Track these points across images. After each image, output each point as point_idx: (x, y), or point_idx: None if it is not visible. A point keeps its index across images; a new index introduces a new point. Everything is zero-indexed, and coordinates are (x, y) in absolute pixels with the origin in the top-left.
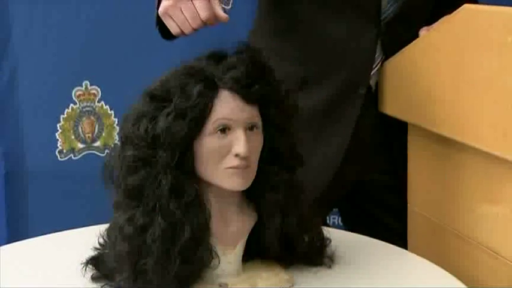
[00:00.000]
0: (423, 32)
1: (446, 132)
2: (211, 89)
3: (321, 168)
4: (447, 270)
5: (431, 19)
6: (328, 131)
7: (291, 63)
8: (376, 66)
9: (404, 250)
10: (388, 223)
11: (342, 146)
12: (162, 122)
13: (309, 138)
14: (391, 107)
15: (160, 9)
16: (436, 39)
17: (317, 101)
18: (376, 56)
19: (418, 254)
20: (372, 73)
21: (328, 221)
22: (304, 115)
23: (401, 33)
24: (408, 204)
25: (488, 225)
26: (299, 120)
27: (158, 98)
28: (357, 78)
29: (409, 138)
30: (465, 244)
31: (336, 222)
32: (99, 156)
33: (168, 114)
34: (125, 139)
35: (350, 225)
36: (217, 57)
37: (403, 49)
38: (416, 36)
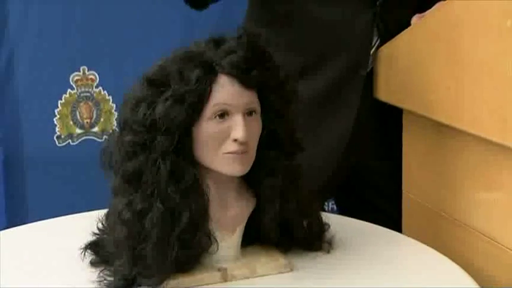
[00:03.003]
0: (415, 19)
1: (442, 119)
2: (209, 74)
3: (326, 154)
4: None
5: (424, 5)
6: (331, 116)
7: (288, 52)
8: (372, 49)
9: (402, 235)
10: (383, 208)
11: (346, 130)
12: (160, 107)
13: (312, 125)
14: (387, 93)
15: None
16: (432, 25)
17: (318, 88)
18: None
19: None
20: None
21: (326, 207)
22: (306, 103)
23: (396, 15)
24: (403, 191)
25: (485, 212)
26: (302, 108)
27: (157, 83)
28: (356, 60)
29: (404, 124)
30: (461, 230)
31: (335, 208)
32: (97, 141)
33: (166, 99)
34: (123, 124)
35: (345, 211)
36: (216, 42)
37: (399, 35)
38: (411, 18)
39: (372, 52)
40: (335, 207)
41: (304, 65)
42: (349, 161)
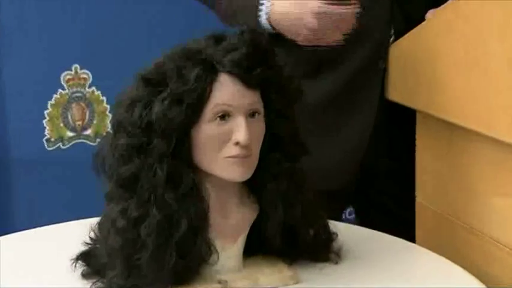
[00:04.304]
0: (430, 15)
1: (457, 120)
2: (209, 73)
3: (347, 155)
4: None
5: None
6: (351, 114)
7: (302, 48)
8: (390, 39)
9: (413, 244)
10: (392, 210)
11: (368, 128)
12: (157, 108)
13: (330, 125)
14: (399, 93)
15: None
16: (447, 21)
17: (335, 84)
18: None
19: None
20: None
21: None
22: (322, 101)
23: (411, 8)
24: (416, 197)
25: (502, 219)
26: (317, 107)
27: (153, 82)
28: (374, 52)
29: (417, 126)
30: (477, 239)
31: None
32: (90, 145)
33: (163, 100)
34: (117, 126)
35: (364, 217)
36: (217, 38)
37: (411, 31)
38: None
39: (390, 42)
40: (348, 216)
41: (319, 61)
42: (367, 161)
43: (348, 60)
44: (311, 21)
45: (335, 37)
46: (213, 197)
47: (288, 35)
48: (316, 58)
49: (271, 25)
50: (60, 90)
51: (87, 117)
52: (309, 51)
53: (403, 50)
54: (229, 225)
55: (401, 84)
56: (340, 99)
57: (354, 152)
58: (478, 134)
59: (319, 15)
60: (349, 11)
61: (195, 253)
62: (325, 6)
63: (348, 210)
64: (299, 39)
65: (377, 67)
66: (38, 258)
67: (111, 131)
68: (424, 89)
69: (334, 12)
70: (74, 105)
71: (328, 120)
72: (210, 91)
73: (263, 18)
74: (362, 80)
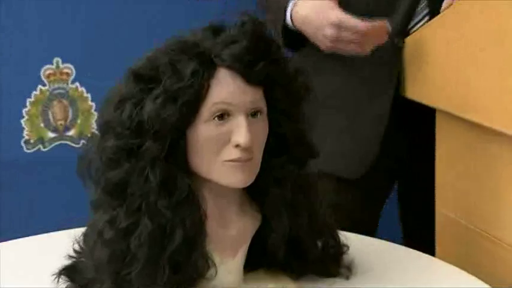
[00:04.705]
0: (446, 5)
1: (482, 120)
2: (207, 68)
3: (363, 142)
4: (481, 280)
5: None
6: (367, 98)
7: None
8: (419, 21)
9: (431, 257)
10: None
11: (384, 115)
12: (149, 107)
13: (347, 107)
14: (416, 90)
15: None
16: (470, 6)
17: (350, 68)
18: (421, 8)
19: (448, 261)
20: (411, 26)
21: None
22: (337, 79)
23: None
24: (436, 206)
25: None
26: (332, 87)
27: (145, 78)
28: (393, 28)
29: (437, 128)
30: (505, 252)
31: None
32: (73, 147)
33: (156, 98)
34: (105, 127)
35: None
36: (215, 30)
37: (427, 23)
38: None
39: (419, 23)
40: None
41: None
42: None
43: None
44: (329, 32)
45: (359, 50)
46: (211, 205)
47: (311, 39)
48: None
49: (295, 27)
50: (40, 86)
51: (70, 116)
52: None
53: (419, 42)
54: (229, 236)
55: (418, 80)
56: (356, 79)
57: (371, 139)
58: (506, 136)
59: (339, 27)
60: (373, 28)
61: (190, 267)
62: (346, 19)
63: None
64: (321, 46)
65: (393, 44)
66: (15, 273)
67: (97, 132)
68: (444, 86)
69: (356, 26)
70: (55, 102)
71: (345, 101)
72: (208, 88)
73: (288, 19)
74: (378, 56)
